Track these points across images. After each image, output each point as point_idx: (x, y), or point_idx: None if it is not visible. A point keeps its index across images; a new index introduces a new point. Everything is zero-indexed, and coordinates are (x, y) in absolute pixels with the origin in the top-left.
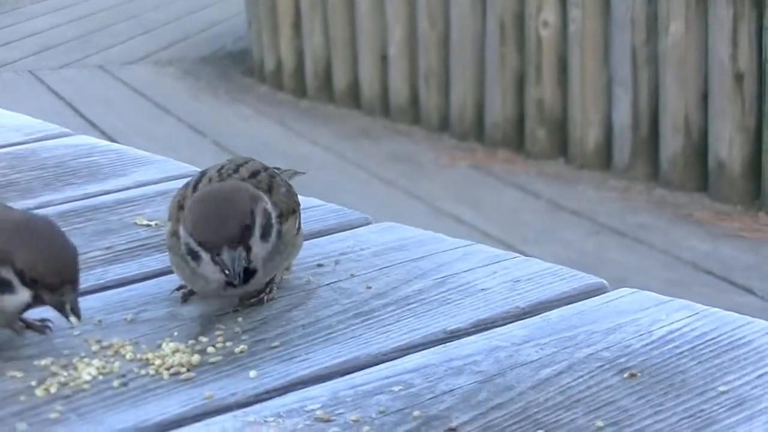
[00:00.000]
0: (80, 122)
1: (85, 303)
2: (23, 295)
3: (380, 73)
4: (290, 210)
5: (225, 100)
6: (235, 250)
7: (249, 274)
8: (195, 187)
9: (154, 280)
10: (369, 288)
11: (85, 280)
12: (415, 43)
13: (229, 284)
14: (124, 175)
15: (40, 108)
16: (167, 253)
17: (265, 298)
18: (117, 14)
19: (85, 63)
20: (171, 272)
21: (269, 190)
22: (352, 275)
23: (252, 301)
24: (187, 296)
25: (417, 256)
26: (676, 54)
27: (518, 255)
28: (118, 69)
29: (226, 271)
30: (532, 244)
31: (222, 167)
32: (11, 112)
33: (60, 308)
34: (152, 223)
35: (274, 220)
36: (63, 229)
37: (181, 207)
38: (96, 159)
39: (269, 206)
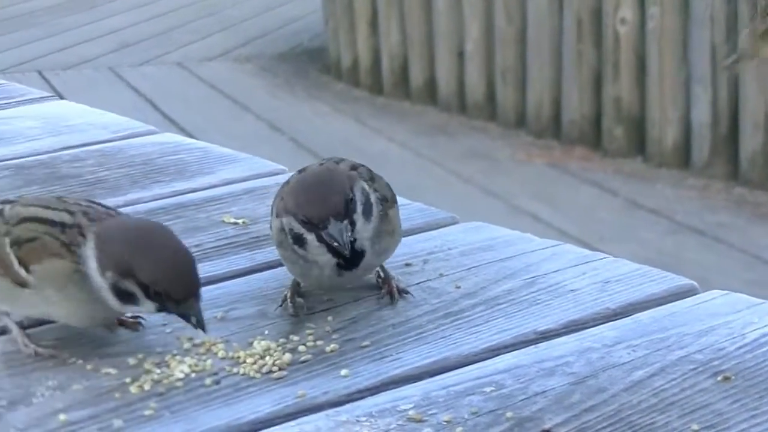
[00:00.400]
0: (159, 119)
1: None
2: (148, 306)
3: (457, 69)
4: (394, 199)
5: (302, 96)
6: (341, 222)
7: (357, 255)
8: None
9: (244, 278)
10: (458, 288)
11: None
12: (492, 39)
13: (340, 267)
14: (211, 173)
15: (119, 104)
16: (256, 251)
17: (396, 297)
18: (195, 11)
19: (164, 60)
20: (260, 270)
21: (371, 179)
22: (441, 275)
23: (384, 298)
24: (299, 310)
25: (505, 256)
26: None
27: (607, 255)
28: (196, 66)
29: (335, 244)
30: (609, 243)
31: (322, 164)
32: (98, 110)
33: (185, 319)
34: (240, 221)
35: (373, 200)
36: None
37: None
38: (183, 157)
39: (367, 187)
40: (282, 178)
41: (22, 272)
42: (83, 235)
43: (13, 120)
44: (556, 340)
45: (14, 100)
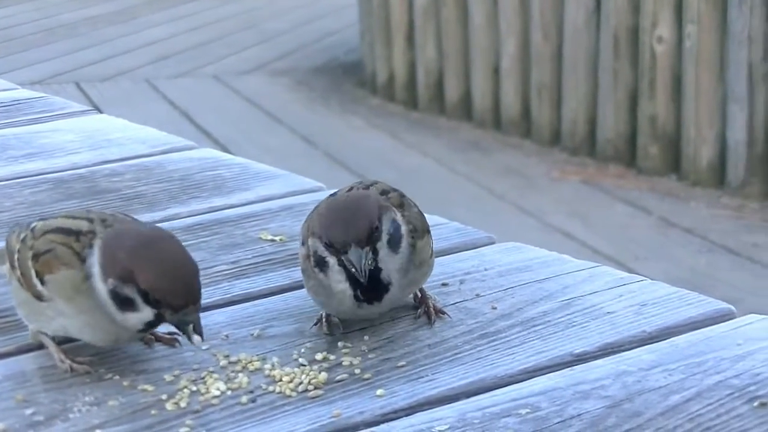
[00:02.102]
0: (194, 131)
1: (211, 317)
2: (146, 313)
3: (492, 85)
4: (425, 229)
5: (337, 111)
6: (362, 248)
7: (382, 288)
8: None
9: (281, 295)
10: (494, 308)
11: (212, 294)
12: (528, 56)
13: (357, 299)
14: (248, 189)
15: (155, 117)
16: (293, 269)
17: (433, 318)
18: (232, 24)
19: (200, 72)
20: (297, 288)
21: (401, 206)
22: (478, 295)
23: (420, 318)
24: (334, 329)
25: (542, 277)
26: None
27: (644, 278)
28: (232, 79)
29: (353, 269)
30: (643, 261)
31: (351, 189)
32: (137, 125)
33: (182, 328)
34: (277, 238)
35: (403, 232)
36: (189, 243)
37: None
38: (221, 173)
39: (398, 217)
40: (320, 195)
41: (38, 285)
42: (92, 243)
43: (52, 133)
44: (592, 363)
45: (54, 113)
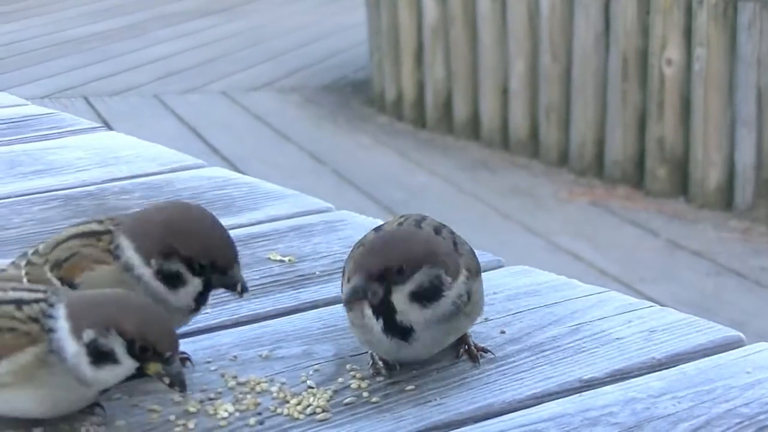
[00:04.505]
0: (202, 147)
1: (220, 338)
2: (195, 284)
3: (501, 106)
4: (477, 270)
5: (345, 128)
6: (367, 282)
7: (404, 331)
8: None
9: (288, 317)
10: (503, 333)
11: (219, 315)
12: (537, 77)
13: (387, 332)
14: (257, 209)
15: (163, 132)
16: (301, 290)
17: (477, 357)
18: (241, 41)
19: (208, 89)
20: (304, 310)
21: (454, 246)
22: (486, 319)
23: (462, 357)
24: (379, 371)
25: (551, 302)
26: None
27: (653, 304)
28: (240, 95)
29: (344, 298)
30: (650, 283)
31: (401, 224)
32: (146, 142)
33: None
34: (286, 259)
35: (445, 288)
36: None
37: None
38: (230, 192)
39: (447, 275)
40: (328, 216)
41: None
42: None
43: (62, 150)
44: (601, 389)
45: (64, 130)
